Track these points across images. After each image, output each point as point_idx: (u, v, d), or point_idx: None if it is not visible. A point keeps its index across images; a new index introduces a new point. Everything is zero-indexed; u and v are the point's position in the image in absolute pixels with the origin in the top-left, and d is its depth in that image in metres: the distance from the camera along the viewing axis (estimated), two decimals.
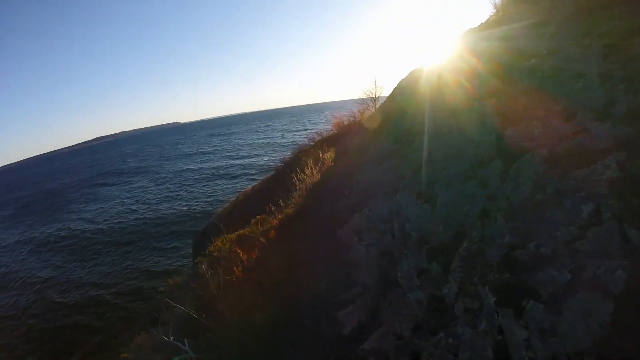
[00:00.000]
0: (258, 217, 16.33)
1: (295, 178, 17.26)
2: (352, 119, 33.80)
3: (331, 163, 16.66)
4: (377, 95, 33.28)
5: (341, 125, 34.05)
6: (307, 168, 17.42)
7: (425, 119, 9.64)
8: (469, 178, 6.61)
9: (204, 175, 53.92)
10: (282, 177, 27.39)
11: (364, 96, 33.53)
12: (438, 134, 8.77)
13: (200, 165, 65.27)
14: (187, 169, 64.05)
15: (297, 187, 16.72)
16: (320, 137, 33.93)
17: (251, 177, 44.87)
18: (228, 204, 32.70)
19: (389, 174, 9.55)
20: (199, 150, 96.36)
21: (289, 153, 33.84)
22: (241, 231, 15.13)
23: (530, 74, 7.00)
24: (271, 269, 10.37)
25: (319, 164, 17.70)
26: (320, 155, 18.29)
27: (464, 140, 7.52)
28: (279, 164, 32.72)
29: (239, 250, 12.17)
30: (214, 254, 13.57)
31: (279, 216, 14.80)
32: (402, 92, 15.39)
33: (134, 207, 43.18)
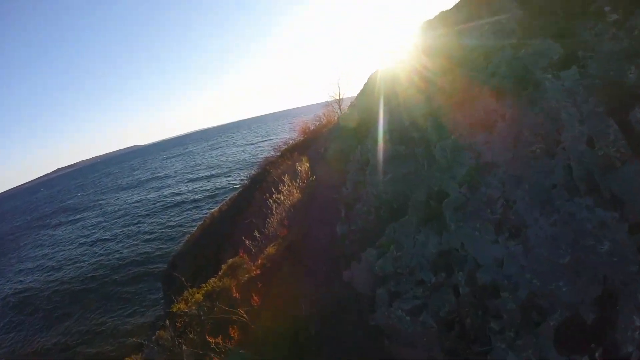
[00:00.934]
0: (230, 261, 12.72)
1: (271, 201, 14.09)
2: (318, 123, 31.66)
3: (309, 175, 13.32)
4: (341, 97, 31.18)
5: (307, 131, 31.77)
6: (284, 185, 14.35)
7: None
8: None
9: (164, 203, 47.96)
10: (250, 194, 25.02)
11: (329, 98, 31.32)
12: None
13: (158, 193, 56.94)
14: (145, 198, 56.36)
15: (274, 211, 13.55)
16: (286, 145, 31.44)
17: (216, 198, 40.60)
18: (195, 229, 29.63)
19: (406, 187, 6.70)
20: (156, 175, 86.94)
21: (254, 167, 31.09)
22: (210, 283, 11.60)
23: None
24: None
25: (297, 179, 14.47)
26: (297, 167, 15.33)
27: None
28: (245, 181, 29.96)
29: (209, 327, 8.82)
30: (178, 322, 10.10)
31: (259, 260, 10.97)
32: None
33: (92, 249, 37.92)
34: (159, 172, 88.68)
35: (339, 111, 30.51)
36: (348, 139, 13.00)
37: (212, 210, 31.84)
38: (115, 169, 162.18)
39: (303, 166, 14.52)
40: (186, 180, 61.07)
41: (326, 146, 19.24)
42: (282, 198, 13.62)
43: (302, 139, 30.86)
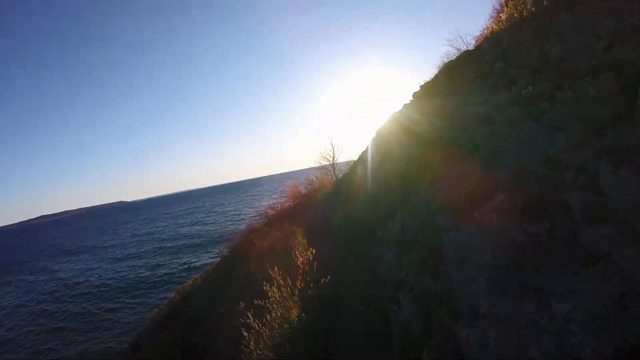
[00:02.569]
0: None
1: (258, 326, 7.78)
2: (310, 187, 29.06)
3: (311, 264, 9.14)
4: (335, 159, 28.86)
5: (298, 195, 29.06)
6: (272, 286, 8.34)
7: None
8: None
9: (129, 272, 42.56)
10: (228, 270, 21.64)
11: (322, 161, 28.95)
12: None
13: (126, 263, 50.75)
14: (111, 267, 49.89)
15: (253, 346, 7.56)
16: (274, 211, 28.45)
17: (190, 270, 35.96)
18: (163, 305, 25.72)
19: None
20: (126, 240, 77.90)
21: (237, 235, 27.82)
22: None
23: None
24: None
25: (293, 272, 8.96)
26: (290, 242, 12.09)
27: None
28: (224, 251, 26.55)
29: None
30: None
31: None
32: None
33: (37, 321, 33.26)
34: (130, 236, 79.66)
35: (333, 175, 28.13)
36: (361, 206, 10.56)
37: (185, 283, 28.06)
38: (97, 223, 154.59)
39: (298, 244, 11.33)
40: (157, 249, 54.59)
41: (320, 214, 16.49)
42: (269, 318, 7.84)
43: (292, 203, 28.12)
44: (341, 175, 27.82)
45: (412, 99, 15.34)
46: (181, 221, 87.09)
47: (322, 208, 16.29)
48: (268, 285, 7.77)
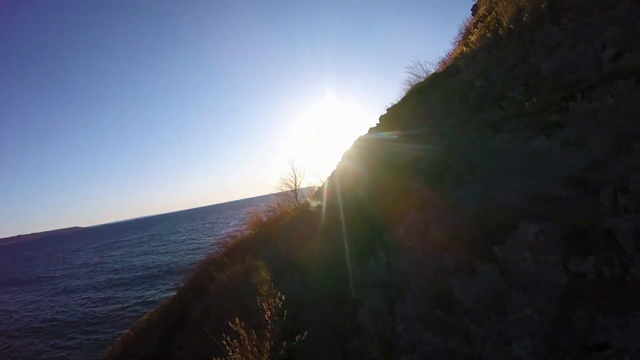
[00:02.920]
0: None
1: None
2: (271, 214, 27.45)
3: (275, 309, 7.15)
4: (298, 185, 27.51)
5: (259, 223, 27.35)
6: (234, 343, 6.36)
7: None
8: None
9: (77, 309, 37.66)
10: (185, 307, 19.64)
11: (284, 187, 27.53)
12: None
13: (78, 295, 44.36)
14: (61, 300, 43.64)
15: None
16: (233, 240, 26.57)
17: (148, 302, 32.34)
18: (116, 344, 23.13)
19: None
20: (81, 270, 66.37)
21: (194, 267, 25.69)
22: None
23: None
24: None
25: (266, 329, 6.97)
26: (253, 279, 10.57)
27: None
28: (181, 284, 24.40)
29: None
30: None
31: None
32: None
33: None
34: (82, 266, 72.18)
35: (295, 201, 26.76)
36: (329, 235, 9.45)
37: (140, 318, 25.43)
38: (49, 250, 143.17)
39: (262, 283, 9.80)
40: (110, 280, 49.50)
41: (285, 244, 15.06)
42: None
43: (252, 232, 26.40)
44: (303, 201, 26.48)
45: (378, 122, 15.05)
46: (135, 250, 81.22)
47: (285, 239, 14.82)
48: (228, 340, 5.96)
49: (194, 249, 55.53)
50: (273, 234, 20.66)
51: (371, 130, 14.95)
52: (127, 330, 24.03)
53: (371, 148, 13.11)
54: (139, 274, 47.11)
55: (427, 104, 12.15)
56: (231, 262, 18.47)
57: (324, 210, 12.18)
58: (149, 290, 37.49)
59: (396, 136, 11.89)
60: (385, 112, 15.24)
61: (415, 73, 17.19)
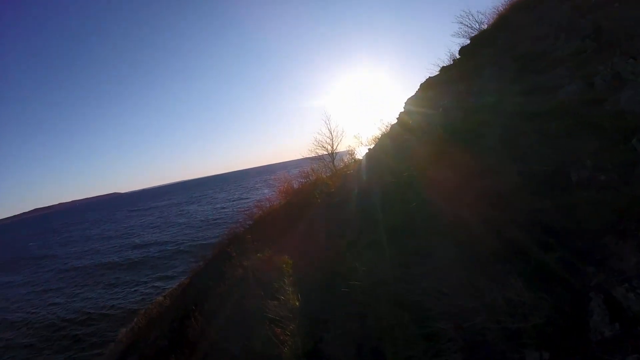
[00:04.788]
0: None
1: None
2: (304, 180, 23.62)
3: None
4: (335, 147, 23.30)
5: (290, 191, 23.59)
6: None
7: None
8: None
9: (86, 279, 35.61)
10: (200, 292, 16.96)
11: (319, 150, 23.34)
12: None
13: (88, 261, 45.25)
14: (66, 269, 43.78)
15: None
16: (260, 211, 23.04)
17: (160, 278, 29.27)
18: (126, 331, 20.67)
19: None
20: (101, 235, 68.64)
21: (215, 243, 22.56)
22: None
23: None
24: None
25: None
26: (272, 288, 7.12)
27: None
28: (198, 264, 21.21)
29: None
30: None
31: None
32: None
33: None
34: (99, 240, 68.33)
35: (332, 166, 22.82)
36: None
37: (154, 300, 22.73)
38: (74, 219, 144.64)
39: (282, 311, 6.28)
40: (131, 246, 46.69)
41: (321, 222, 11.34)
42: None
43: (282, 202, 22.76)
44: (342, 166, 22.52)
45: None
46: (159, 218, 79.58)
47: (322, 222, 11.00)
48: None
49: (226, 217, 51.66)
50: (307, 206, 16.94)
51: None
52: (137, 318, 21.38)
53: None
54: (157, 249, 44.02)
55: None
56: (253, 241, 14.92)
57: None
58: (166, 268, 34.43)
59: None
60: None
61: (466, 23, 14.89)
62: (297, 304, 6.15)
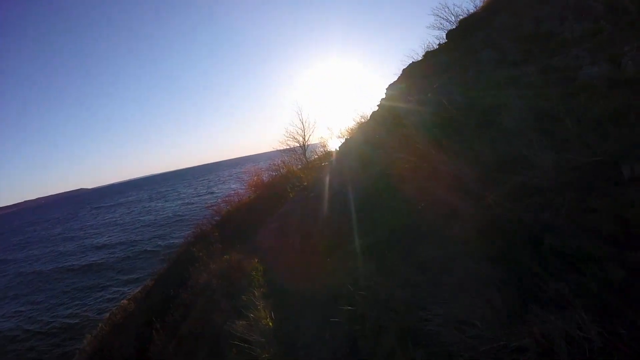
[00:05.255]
0: None
1: None
2: (274, 174, 22.63)
3: None
4: (307, 139, 22.28)
5: (259, 184, 22.60)
6: None
7: None
8: None
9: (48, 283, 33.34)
10: (163, 293, 16.33)
11: (290, 142, 22.26)
12: None
13: (49, 265, 42.34)
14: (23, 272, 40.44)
15: None
16: (229, 206, 21.94)
17: (125, 281, 27.32)
18: (90, 338, 19.23)
19: None
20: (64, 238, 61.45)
21: (179, 246, 21.32)
22: None
23: None
24: None
25: None
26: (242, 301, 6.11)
27: None
28: (161, 268, 19.94)
29: None
30: None
31: None
32: None
33: None
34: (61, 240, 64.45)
35: (303, 158, 21.87)
36: None
37: (113, 308, 21.23)
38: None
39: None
40: (93, 248, 43.86)
41: (297, 220, 10.35)
42: None
43: (252, 196, 21.75)
44: (314, 158, 21.63)
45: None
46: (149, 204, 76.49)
47: (297, 219, 9.98)
48: None
49: (191, 214, 49.49)
50: (277, 200, 15.92)
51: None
52: (101, 324, 19.90)
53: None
54: (118, 249, 41.80)
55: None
56: (221, 240, 13.80)
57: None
58: (130, 270, 32.49)
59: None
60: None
61: (442, 16, 14.25)
62: (271, 324, 5.11)
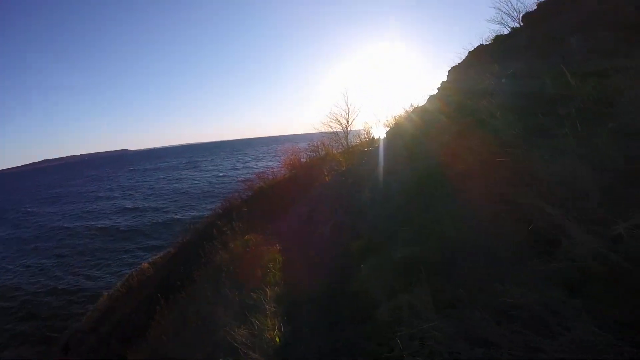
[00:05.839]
0: None
1: None
2: (313, 155, 21.89)
3: None
4: (350, 123, 21.38)
5: (296, 164, 21.86)
6: None
7: None
8: None
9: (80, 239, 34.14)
10: (186, 255, 16.28)
11: (333, 124, 21.49)
12: None
13: (76, 222, 42.72)
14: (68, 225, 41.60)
15: None
16: (262, 182, 21.28)
17: (148, 247, 27.28)
18: (101, 298, 19.09)
19: None
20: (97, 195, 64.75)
21: (205, 217, 20.89)
22: None
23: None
24: None
25: None
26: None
27: None
28: (183, 238, 19.51)
29: None
30: None
31: None
32: None
33: None
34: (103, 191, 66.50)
35: (345, 142, 21.00)
36: None
37: (132, 271, 21.04)
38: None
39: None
40: (123, 212, 43.97)
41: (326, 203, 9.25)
42: None
43: (287, 175, 21.03)
44: (356, 143, 20.80)
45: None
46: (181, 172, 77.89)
47: (329, 206, 8.88)
48: None
49: (225, 186, 49.21)
50: (312, 181, 15.01)
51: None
52: (119, 284, 19.79)
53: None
54: (144, 214, 41.93)
55: None
56: (247, 217, 12.93)
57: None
58: (156, 236, 32.40)
59: None
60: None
61: (504, 10, 13.09)
62: (278, 341, 4.02)
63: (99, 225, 39.07)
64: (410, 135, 9.64)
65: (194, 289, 9.12)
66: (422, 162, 6.54)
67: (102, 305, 18.88)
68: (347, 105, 21.03)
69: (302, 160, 22.31)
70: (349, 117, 21.18)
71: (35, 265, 29.11)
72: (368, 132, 20.80)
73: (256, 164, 67.70)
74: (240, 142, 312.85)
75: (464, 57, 11.92)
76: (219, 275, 7.39)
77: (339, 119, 21.19)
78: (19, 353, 17.47)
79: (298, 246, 7.48)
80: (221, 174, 67.42)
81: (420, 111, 12.23)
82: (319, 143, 22.22)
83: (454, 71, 11.30)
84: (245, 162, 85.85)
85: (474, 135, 5.45)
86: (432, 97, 11.95)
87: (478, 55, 11.17)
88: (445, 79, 12.16)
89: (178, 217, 36.78)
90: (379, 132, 18.88)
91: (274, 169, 23.59)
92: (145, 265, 21.48)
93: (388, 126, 16.89)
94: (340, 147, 20.94)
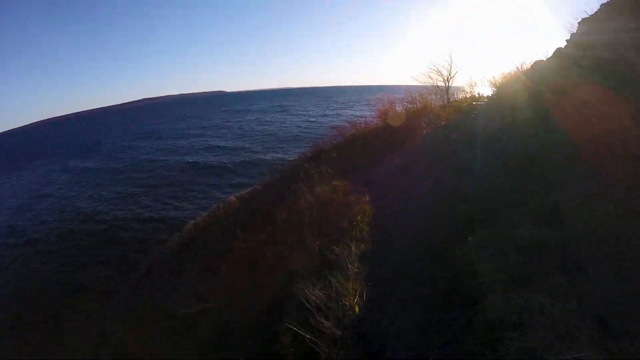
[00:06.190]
0: None
1: None
2: (410, 106, 20.72)
3: None
4: (450, 79, 19.75)
5: (391, 114, 20.88)
6: None
7: None
8: None
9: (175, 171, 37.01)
10: (272, 194, 16.34)
11: (434, 76, 20.04)
12: None
13: (165, 156, 45.41)
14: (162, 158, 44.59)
15: None
16: (353, 130, 20.70)
17: (235, 185, 28.18)
18: (188, 225, 20.12)
19: None
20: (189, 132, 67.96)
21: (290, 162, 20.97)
22: None
23: None
24: None
25: None
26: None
27: None
28: (274, 175, 19.79)
29: None
30: None
31: None
32: None
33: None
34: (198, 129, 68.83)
35: (445, 97, 19.60)
36: None
37: (228, 196, 21.99)
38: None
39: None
40: (216, 149, 45.38)
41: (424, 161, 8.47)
42: None
43: (378, 124, 20.19)
44: (458, 98, 19.34)
45: None
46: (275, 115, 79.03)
47: (428, 160, 8.07)
48: None
49: (308, 131, 49.01)
50: (408, 135, 14.12)
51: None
52: (206, 213, 20.84)
53: None
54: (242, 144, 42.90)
55: None
56: (336, 163, 12.54)
57: None
58: (244, 173, 33.19)
59: None
60: None
61: None
62: (357, 309, 3.55)
63: (189, 160, 41.10)
64: (529, 97, 8.38)
65: (274, 229, 9.00)
66: (544, 127, 5.54)
67: (187, 233, 20.00)
68: (451, 57, 19.41)
69: (397, 110, 21.32)
70: (452, 69, 19.61)
71: (126, 193, 31.36)
72: (472, 87, 19.23)
73: (347, 112, 66.33)
74: (331, 89, 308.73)
75: (597, 10, 9.76)
76: (301, 218, 7.10)
77: (440, 69, 19.69)
78: (97, 271, 18.95)
79: (391, 200, 6.89)
80: (311, 119, 67.10)
81: (538, 69, 10.58)
82: (416, 94, 20.98)
83: (585, 23, 9.34)
84: (336, 110, 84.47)
85: (613, 96, 4.39)
86: (558, 51, 10.13)
87: (618, 6, 9.10)
88: (575, 31, 10.17)
89: (266, 157, 37.38)
90: (485, 90, 17.35)
91: (367, 118, 22.83)
92: (232, 198, 22.25)
93: (494, 85, 15.32)
94: (440, 100, 19.62)
